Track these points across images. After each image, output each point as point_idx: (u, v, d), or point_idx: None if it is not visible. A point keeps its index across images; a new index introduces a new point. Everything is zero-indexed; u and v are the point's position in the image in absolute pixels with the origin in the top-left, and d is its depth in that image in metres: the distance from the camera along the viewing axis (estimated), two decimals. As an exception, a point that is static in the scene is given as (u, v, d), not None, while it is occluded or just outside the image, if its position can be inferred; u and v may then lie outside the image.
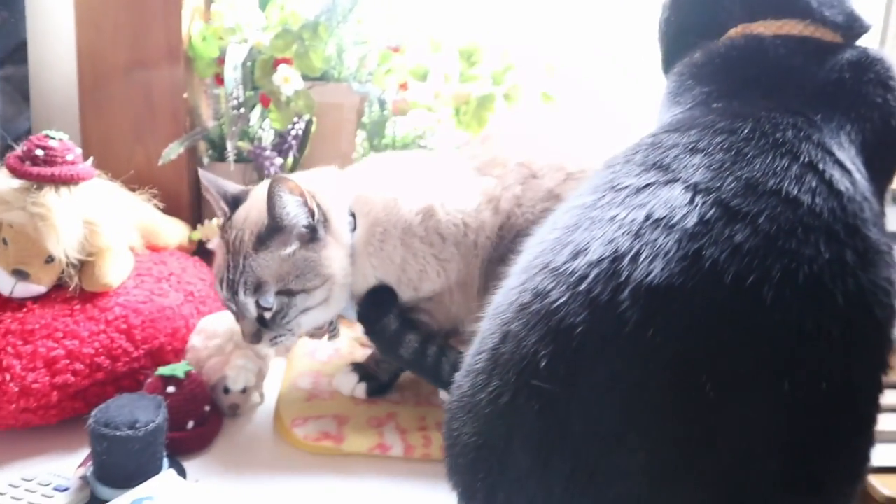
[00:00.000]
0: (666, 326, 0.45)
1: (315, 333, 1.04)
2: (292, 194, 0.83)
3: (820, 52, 0.60)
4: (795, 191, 0.49)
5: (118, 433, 0.74)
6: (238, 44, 1.12)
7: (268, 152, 1.17)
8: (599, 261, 0.48)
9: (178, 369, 0.88)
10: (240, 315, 0.87)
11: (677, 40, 0.72)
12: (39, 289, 0.89)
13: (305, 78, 1.15)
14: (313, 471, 0.84)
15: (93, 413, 0.76)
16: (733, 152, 0.51)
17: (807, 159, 0.50)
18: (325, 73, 1.21)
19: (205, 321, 0.99)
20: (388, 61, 1.23)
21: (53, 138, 0.89)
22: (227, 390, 0.93)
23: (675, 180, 0.51)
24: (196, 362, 0.94)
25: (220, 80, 1.20)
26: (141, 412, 0.77)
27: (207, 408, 0.90)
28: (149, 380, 0.90)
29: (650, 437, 0.46)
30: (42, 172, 0.86)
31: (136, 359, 0.90)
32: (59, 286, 0.91)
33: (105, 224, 0.90)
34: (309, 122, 1.20)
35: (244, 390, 0.94)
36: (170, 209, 1.15)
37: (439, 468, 0.64)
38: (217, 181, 0.91)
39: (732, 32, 0.65)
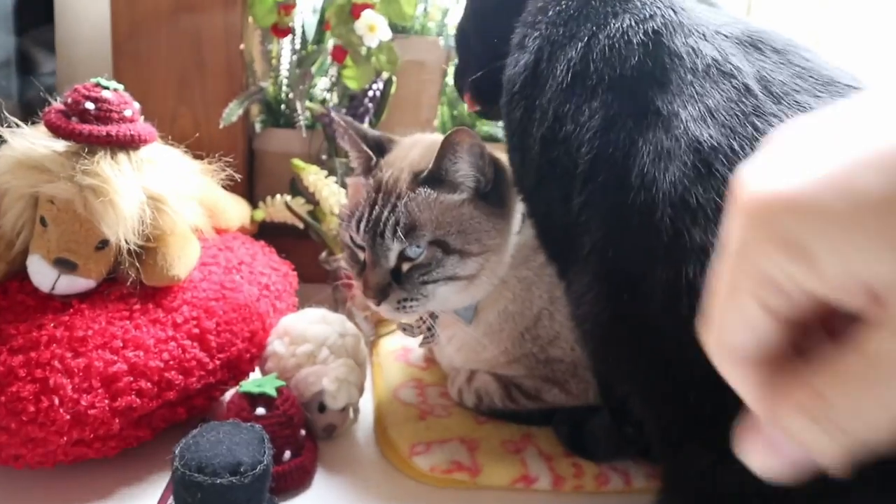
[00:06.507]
0: None
1: (409, 329, 0.85)
2: (471, 150, 0.69)
3: None
4: None
5: (219, 481, 0.55)
6: (311, -17, 0.93)
7: (341, 116, 0.98)
8: None
9: (266, 384, 0.70)
10: (372, 263, 0.70)
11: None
12: (88, 283, 0.70)
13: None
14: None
15: (177, 451, 0.57)
16: None
17: None
18: (402, 25, 1.02)
19: (287, 322, 0.80)
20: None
21: (107, 88, 0.69)
22: (322, 408, 0.75)
23: None
24: (280, 373, 0.76)
25: (278, 30, 1.00)
26: (242, 448, 0.58)
27: (303, 432, 0.71)
28: (227, 398, 0.72)
29: None
30: (95, 132, 0.66)
31: (211, 371, 0.71)
32: (109, 279, 0.72)
33: (172, 200, 0.71)
34: (388, 83, 1.01)
35: (344, 408, 0.75)
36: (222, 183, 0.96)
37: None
38: (354, 122, 0.76)
39: None
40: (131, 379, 0.65)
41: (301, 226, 0.98)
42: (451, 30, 1.05)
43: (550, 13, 0.60)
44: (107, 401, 0.64)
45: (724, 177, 0.48)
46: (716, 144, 0.49)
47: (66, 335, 0.65)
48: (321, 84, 1.08)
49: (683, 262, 0.49)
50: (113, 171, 0.66)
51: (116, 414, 0.64)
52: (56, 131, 0.67)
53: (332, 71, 1.04)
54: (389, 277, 0.70)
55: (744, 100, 0.50)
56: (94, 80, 0.69)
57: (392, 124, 1.05)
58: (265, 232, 1.02)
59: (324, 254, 0.98)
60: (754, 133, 0.49)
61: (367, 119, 1.00)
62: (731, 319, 0.27)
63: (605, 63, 0.55)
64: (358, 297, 0.94)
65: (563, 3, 0.60)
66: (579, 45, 0.57)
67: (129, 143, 0.68)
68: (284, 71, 1.04)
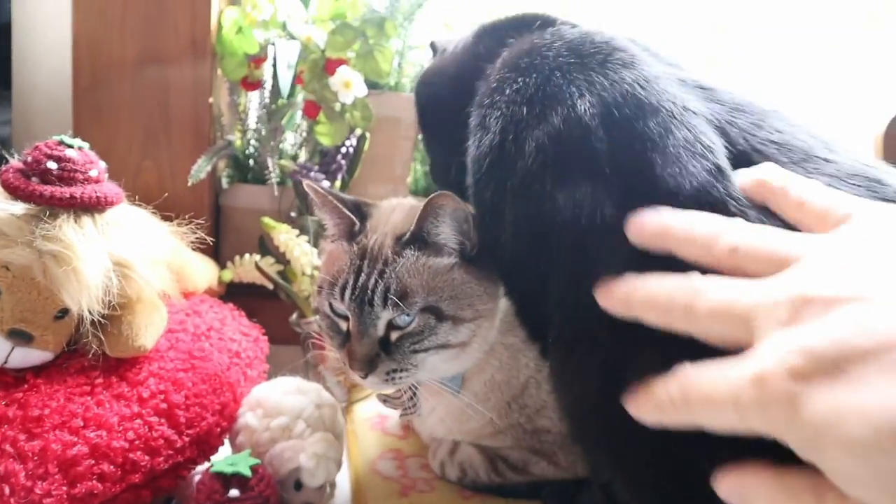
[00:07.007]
0: None
1: (390, 401, 0.81)
2: (454, 215, 0.65)
3: None
4: None
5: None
6: (286, 39, 0.90)
7: (313, 173, 0.95)
8: None
9: (240, 463, 0.65)
10: (359, 333, 0.65)
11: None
12: (44, 356, 0.64)
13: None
14: None
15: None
16: None
17: None
18: (375, 80, 1.00)
19: (260, 392, 0.75)
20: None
21: (71, 146, 0.65)
22: (299, 486, 0.70)
23: None
24: (253, 448, 0.71)
25: (248, 83, 0.98)
26: (219, 541, 0.53)
27: (279, 514, 0.67)
28: (196, 477, 0.66)
29: None
30: (57, 194, 0.62)
31: (180, 450, 0.66)
32: (69, 351, 0.66)
33: (139, 266, 0.66)
34: (361, 139, 0.99)
35: (321, 485, 0.71)
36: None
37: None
38: (330, 189, 0.73)
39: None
40: (92, 462, 0.59)
41: (270, 286, 0.94)
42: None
43: (508, 92, 0.58)
44: (64, 488, 0.58)
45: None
46: None
47: (19, 414, 0.59)
48: (290, 139, 1.05)
49: (665, 362, 0.46)
50: (76, 235, 0.61)
51: (75, 501, 0.58)
52: (14, 192, 0.62)
53: (303, 126, 1.01)
54: (378, 347, 0.65)
55: (717, 184, 0.48)
56: (56, 138, 0.64)
57: (365, 181, 1.02)
58: (231, 292, 0.97)
59: (294, 315, 0.93)
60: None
61: (340, 176, 0.97)
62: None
63: (575, 148, 0.52)
64: (331, 361, 0.89)
65: (519, 80, 0.57)
66: (547, 127, 0.54)
67: (94, 206, 0.64)
68: (252, 124, 1.01)
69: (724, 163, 0.49)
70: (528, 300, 0.61)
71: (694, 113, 0.51)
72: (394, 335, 0.66)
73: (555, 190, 0.52)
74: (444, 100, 0.70)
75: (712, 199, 0.47)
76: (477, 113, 0.60)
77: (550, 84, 0.54)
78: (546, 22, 0.65)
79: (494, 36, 0.67)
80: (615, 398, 0.49)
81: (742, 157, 0.50)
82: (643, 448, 0.48)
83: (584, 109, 0.52)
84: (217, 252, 1.02)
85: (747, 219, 0.46)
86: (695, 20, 1.26)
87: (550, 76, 0.55)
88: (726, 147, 0.51)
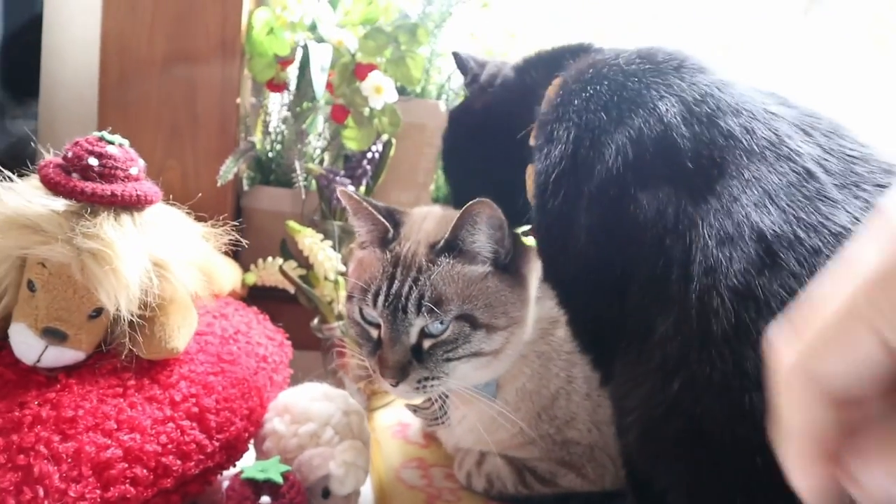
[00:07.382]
0: None
1: (420, 410, 0.80)
2: (490, 222, 0.66)
3: None
4: None
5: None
6: (315, 42, 0.90)
7: (339, 178, 0.94)
8: None
9: (271, 470, 0.64)
10: (391, 340, 0.65)
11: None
12: (77, 355, 0.63)
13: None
14: None
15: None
16: None
17: None
18: (402, 86, 1.00)
19: (287, 398, 0.74)
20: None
21: (112, 143, 0.64)
22: (326, 493, 0.69)
23: None
24: (281, 454, 0.70)
25: (274, 85, 0.97)
26: (258, 550, 0.53)
27: (309, 523, 0.66)
28: (225, 484, 0.66)
29: None
30: (99, 191, 0.61)
31: (210, 455, 0.65)
32: (99, 352, 0.65)
33: (174, 266, 0.65)
34: (387, 145, 0.98)
35: (349, 494, 0.70)
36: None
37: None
38: (364, 196, 0.73)
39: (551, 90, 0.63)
40: (125, 465, 0.58)
41: (292, 290, 0.93)
42: (452, 93, 1.04)
43: (577, 102, 0.58)
44: (98, 491, 0.57)
45: (789, 268, 0.47)
46: (779, 232, 0.48)
47: (52, 415, 0.58)
48: (312, 142, 1.05)
49: (745, 356, 0.47)
50: (116, 234, 0.60)
51: (107, 506, 0.57)
52: (54, 188, 0.61)
53: (326, 129, 1.01)
54: (410, 355, 0.65)
55: (805, 184, 0.49)
56: (97, 134, 0.63)
57: (388, 188, 1.02)
58: (250, 295, 0.96)
59: (315, 321, 0.93)
60: (820, 219, 0.48)
61: (365, 181, 0.97)
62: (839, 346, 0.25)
63: (659, 148, 0.53)
64: (353, 369, 0.89)
65: (588, 89, 0.58)
66: (629, 130, 0.55)
67: (134, 204, 0.63)
68: (274, 126, 1.00)
69: (813, 166, 0.50)
70: (594, 308, 0.60)
71: (775, 115, 0.52)
72: (426, 343, 0.66)
73: (637, 190, 0.53)
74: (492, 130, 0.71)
75: (802, 199, 0.48)
76: (541, 131, 0.60)
77: (627, 89, 0.55)
78: (594, 49, 0.67)
79: (543, 63, 0.69)
80: (692, 400, 0.49)
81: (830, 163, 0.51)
82: (719, 453, 0.49)
83: (666, 109, 0.54)
84: (236, 254, 1.01)
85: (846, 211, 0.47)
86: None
87: (626, 82, 0.56)
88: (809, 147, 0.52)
